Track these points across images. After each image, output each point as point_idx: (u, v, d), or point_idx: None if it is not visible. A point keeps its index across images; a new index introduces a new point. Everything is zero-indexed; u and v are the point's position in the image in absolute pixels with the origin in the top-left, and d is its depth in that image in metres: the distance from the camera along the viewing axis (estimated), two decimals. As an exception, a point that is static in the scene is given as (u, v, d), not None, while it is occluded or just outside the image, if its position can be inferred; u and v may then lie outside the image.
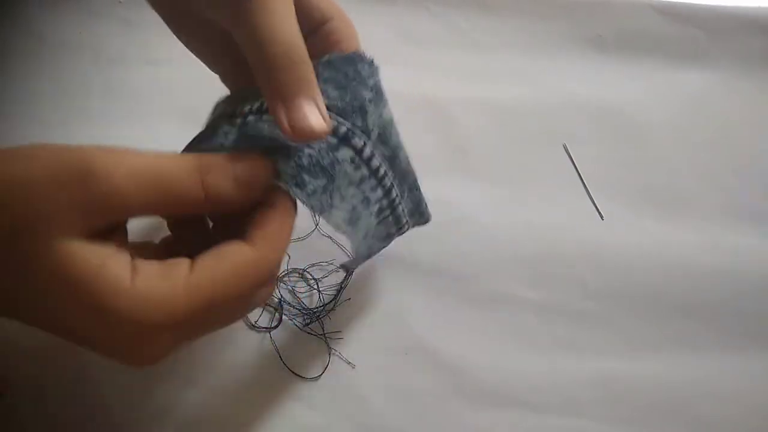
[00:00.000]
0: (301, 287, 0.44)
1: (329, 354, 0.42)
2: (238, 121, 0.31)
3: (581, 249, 0.45)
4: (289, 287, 0.44)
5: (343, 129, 0.31)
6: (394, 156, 0.34)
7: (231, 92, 0.35)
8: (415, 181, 0.37)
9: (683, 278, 0.44)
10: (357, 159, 0.32)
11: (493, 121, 0.48)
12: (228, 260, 0.27)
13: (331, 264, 0.44)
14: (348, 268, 0.38)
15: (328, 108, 0.30)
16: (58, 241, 0.24)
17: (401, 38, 0.51)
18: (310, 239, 0.45)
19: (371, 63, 0.33)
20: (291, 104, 0.27)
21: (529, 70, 0.50)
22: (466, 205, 0.46)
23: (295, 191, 0.29)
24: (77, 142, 0.48)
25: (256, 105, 0.31)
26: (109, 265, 0.25)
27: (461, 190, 0.46)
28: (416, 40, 0.51)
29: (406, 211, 0.37)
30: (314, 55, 0.30)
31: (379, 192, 0.34)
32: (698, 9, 0.51)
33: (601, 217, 0.46)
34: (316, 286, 0.44)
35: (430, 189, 0.44)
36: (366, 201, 0.33)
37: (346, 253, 0.44)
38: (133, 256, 0.26)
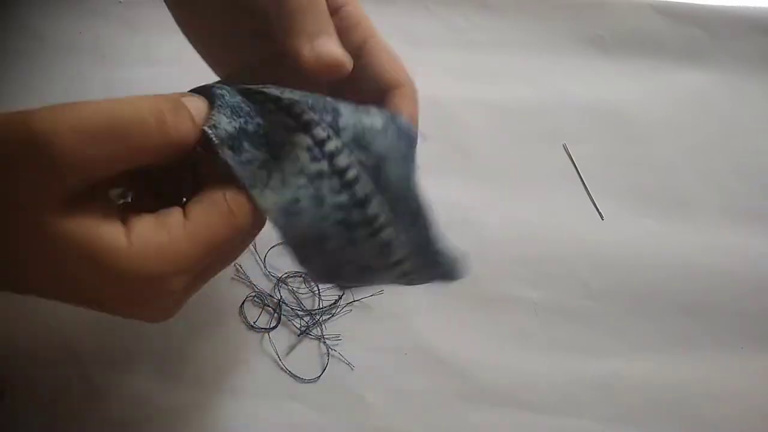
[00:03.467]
0: (301, 288, 0.44)
1: (328, 355, 0.42)
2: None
3: (581, 249, 0.45)
4: (289, 288, 0.44)
5: (306, 117, 0.29)
6: (378, 166, 0.30)
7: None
8: (428, 220, 0.32)
9: (683, 278, 0.44)
10: (316, 150, 0.29)
11: (493, 121, 0.48)
12: (218, 204, 0.27)
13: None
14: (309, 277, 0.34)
15: (297, 102, 0.29)
16: (38, 217, 0.23)
17: (401, 38, 0.50)
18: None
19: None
20: (318, 39, 0.29)
21: (529, 70, 0.50)
22: (466, 205, 0.46)
23: (227, 153, 0.28)
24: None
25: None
26: (102, 230, 0.24)
27: (461, 190, 0.46)
28: (416, 40, 0.51)
29: (400, 243, 0.31)
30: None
31: (344, 197, 0.29)
32: (698, 9, 0.50)
33: (601, 217, 0.46)
34: (315, 288, 0.44)
35: (429, 189, 0.44)
36: (318, 200, 0.29)
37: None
38: (124, 214, 0.26)
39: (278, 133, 0.29)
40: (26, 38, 0.50)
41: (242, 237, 0.28)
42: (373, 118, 0.30)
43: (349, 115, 0.30)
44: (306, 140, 0.29)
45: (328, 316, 0.43)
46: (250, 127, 0.29)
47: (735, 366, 0.42)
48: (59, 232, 0.24)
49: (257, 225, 0.28)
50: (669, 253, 0.45)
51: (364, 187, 0.30)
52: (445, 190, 0.46)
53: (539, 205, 0.46)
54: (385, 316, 0.43)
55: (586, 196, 0.47)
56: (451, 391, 0.42)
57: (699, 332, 0.43)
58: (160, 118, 0.25)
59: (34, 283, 0.26)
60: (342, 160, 0.29)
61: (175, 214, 0.26)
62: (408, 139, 0.31)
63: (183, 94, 0.27)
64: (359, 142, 0.30)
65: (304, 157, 0.29)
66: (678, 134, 0.48)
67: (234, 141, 0.28)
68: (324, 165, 0.29)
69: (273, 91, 0.29)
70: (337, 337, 0.43)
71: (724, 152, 0.48)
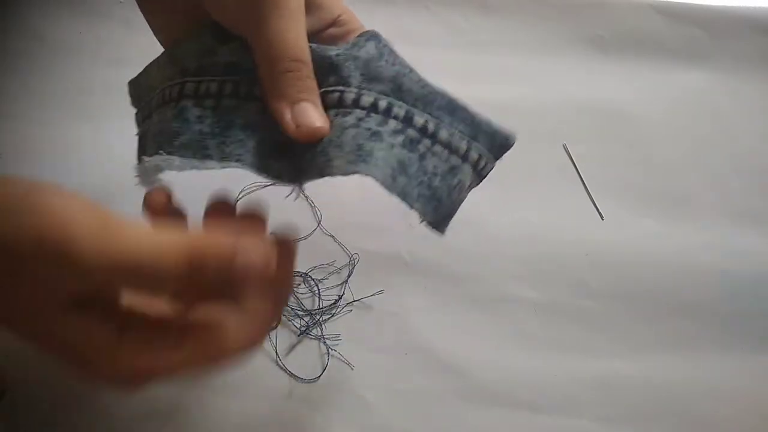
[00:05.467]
0: (301, 288, 0.44)
1: (328, 355, 0.42)
2: (209, 102, 0.32)
3: (582, 249, 0.45)
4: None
5: None
6: (398, 86, 0.32)
7: (159, 62, 0.35)
8: (453, 101, 0.33)
9: (684, 278, 0.44)
10: (341, 109, 0.32)
11: (492, 120, 0.48)
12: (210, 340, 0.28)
13: (332, 266, 0.44)
14: (431, 223, 0.33)
15: None
16: (39, 313, 0.25)
17: (401, 38, 0.50)
18: (311, 238, 0.45)
19: None
20: (297, 107, 0.30)
21: (529, 70, 0.50)
22: (466, 205, 0.46)
23: (295, 183, 0.31)
24: (77, 143, 0.48)
25: (229, 87, 0.32)
26: (91, 337, 0.26)
27: (461, 190, 0.46)
28: (416, 40, 0.51)
29: (458, 136, 0.33)
30: (334, 41, 0.34)
31: (392, 123, 0.32)
32: (698, 9, 0.51)
33: (601, 217, 0.46)
34: (316, 289, 0.44)
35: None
36: (376, 135, 0.31)
37: (348, 254, 0.44)
38: (121, 323, 0.27)
39: None
40: (26, 38, 0.50)
41: (219, 356, 0.29)
42: (365, 49, 0.32)
43: (344, 60, 0.32)
44: (331, 112, 0.32)
45: (328, 316, 0.43)
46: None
47: (735, 366, 0.42)
48: (60, 323, 0.26)
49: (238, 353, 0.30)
50: (669, 252, 0.45)
51: (400, 108, 0.32)
52: (445, 190, 0.46)
53: (539, 205, 0.46)
54: (385, 316, 0.43)
55: (586, 196, 0.47)
56: (451, 391, 0.42)
57: (699, 332, 0.43)
58: (187, 269, 0.26)
59: (29, 341, 0.27)
60: (366, 100, 0.32)
61: (165, 334, 0.28)
62: (386, 41, 0.34)
63: (230, 249, 0.27)
64: (370, 77, 0.32)
65: (338, 120, 0.31)
66: (678, 134, 0.48)
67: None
68: (356, 112, 0.31)
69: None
70: (337, 337, 0.43)
71: (723, 152, 0.48)
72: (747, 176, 0.47)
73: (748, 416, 0.41)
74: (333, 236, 0.45)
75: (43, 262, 0.24)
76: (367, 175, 0.30)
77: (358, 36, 0.33)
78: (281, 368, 0.42)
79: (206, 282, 0.27)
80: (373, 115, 0.31)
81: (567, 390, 0.42)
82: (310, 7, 0.33)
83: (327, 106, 0.31)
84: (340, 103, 0.31)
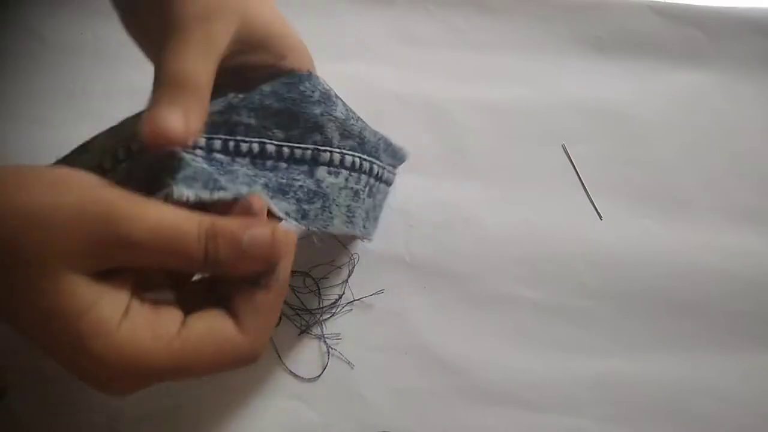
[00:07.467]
0: (301, 287, 0.44)
1: (328, 354, 0.42)
2: (200, 152, 0.32)
3: (581, 249, 0.45)
4: (289, 287, 0.44)
5: (308, 153, 0.35)
6: (362, 139, 0.37)
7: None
8: (375, 133, 0.38)
9: (682, 278, 0.44)
10: (332, 169, 0.36)
11: (492, 121, 0.48)
12: (215, 337, 0.28)
13: (332, 265, 0.44)
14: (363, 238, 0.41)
15: (287, 140, 0.34)
16: (62, 274, 0.25)
17: (400, 38, 0.51)
18: (311, 237, 0.45)
19: (309, 75, 0.35)
20: (156, 105, 0.29)
21: (528, 70, 0.50)
22: (466, 206, 0.46)
23: (302, 223, 0.34)
24: (77, 143, 0.48)
25: (218, 144, 0.33)
26: (100, 306, 0.26)
27: (460, 190, 0.46)
28: (415, 41, 0.51)
29: (388, 169, 0.41)
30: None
31: (364, 178, 0.38)
32: (698, 9, 0.51)
33: (600, 217, 0.46)
34: (316, 287, 0.44)
35: (429, 189, 0.44)
36: (356, 194, 0.37)
37: (348, 253, 0.44)
38: (133, 295, 0.27)
39: (309, 182, 0.35)
40: (27, 38, 0.50)
41: (232, 367, 0.29)
42: (339, 109, 0.36)
43: (327, 120, 0.35)
44: (323, 169, 0.35)
45: (329, 315, 0.43)
46: (300, 194, 0.35)
47: (734, 366, 0.42)
48: (64, 291, 0.25)
49: (251, 360, 0.29)
50: (668, 252, 0.45)
51: (365, 161, 0.37)
52: (443, 190, 0.46)
53: (538, 205, 0.46)
54: (385, 316, 0.43)
55: (585, 196, 0.47)
56: (451, 390, 0.42)
57: (698, 332, 0.43)
58: (204, 244, 0.27)
59: (13, 316, 0.27)
60: (348, 160, 0.36)
61: (171, 322, 0.27)
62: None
63: (245, 225, 0.28)
64: (344, 135, 0.36)
65: (331, 179, 0.36)
66: (676, 135, 0.48)
67: (300, 212, 0.35)
68: (343, 172, 0.36)
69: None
70: (337, 336, 0.43)
71: (722, 153, 0.48)
72: (747, 176, 0.47)
73: (747, 416, 0.41)
74: (333, 235, 0.45)
75: (85, 232, 0.25)
76: (351, 233, 0.37)
77: (299, 75, 0.34)
78: (281, 368, 0.42)
79: (221, 258, 0.27)
80: (353, 174, 0.37)
81: (567, 390, 0.42)
82: (255, 47, 0.33)
83: (320, 164, 0.35)
84: (330, 163, 0.35)
